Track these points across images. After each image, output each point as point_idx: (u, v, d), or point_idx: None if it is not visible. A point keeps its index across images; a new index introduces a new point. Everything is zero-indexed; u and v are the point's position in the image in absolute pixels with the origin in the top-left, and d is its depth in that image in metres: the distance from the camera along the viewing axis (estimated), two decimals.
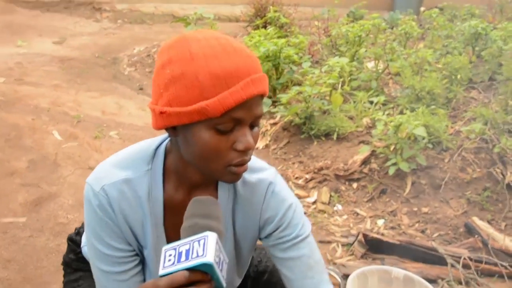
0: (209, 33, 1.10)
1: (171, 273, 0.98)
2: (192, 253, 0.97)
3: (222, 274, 1.00)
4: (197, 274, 0.98)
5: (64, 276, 1.67)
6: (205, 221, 1.03)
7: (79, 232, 1.65)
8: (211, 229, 1.01)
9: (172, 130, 1.12)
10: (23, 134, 4.37)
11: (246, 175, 1.27)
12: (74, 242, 1.64)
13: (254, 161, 1.31)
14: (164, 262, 1.00)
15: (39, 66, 6.76)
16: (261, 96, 1.09)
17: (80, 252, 1.60)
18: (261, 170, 1.32)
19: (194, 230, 1.01)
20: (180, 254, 0.99)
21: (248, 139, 1.09)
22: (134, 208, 1.23)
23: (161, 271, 0.99)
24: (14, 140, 4.24)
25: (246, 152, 1.11)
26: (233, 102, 1.02)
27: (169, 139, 1.25)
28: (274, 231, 1.32)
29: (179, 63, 1.04)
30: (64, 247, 2.91)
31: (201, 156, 1.10)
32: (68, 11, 10.49)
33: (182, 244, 1.00)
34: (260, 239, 1.39)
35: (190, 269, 0.97)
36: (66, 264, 1.67)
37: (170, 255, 1.00)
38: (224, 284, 1.02)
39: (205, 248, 0.97)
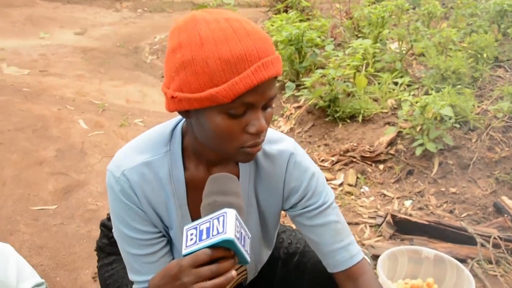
0: (220, 13, 1.08)
1: (194, 251, 1.00)
2: (213, 231, 0.98)
3: (245, 249, 1.01)
4: (220, 250, 0.99)
5: (98, 260, 1.70)
6: (223, 197, 1.04)
7: (110, 218, 1.66)
8: (230, 205, 1.02)
9: (185, 112, 1.12)
10: (49, 124, 4.42)
11: (266, 147, 1.28)
12: (106, 227, 1.66)
13: (272, 132, 1.31)
14: (187, 241, 1.01)
15: (62, 57, 6.84)
16: (275, 77, 1.08)
17: (113, 236, 1.61)
18: (280, 141, 1.32)
19: (213, 208, 1.02)
20: (201, 232, 1.00)
21: (260, 122, 1.08)
22: (156, 190, 1.25)
23: (184, 251, 1.01)
24: (41, 130, 4.30)
25: (259, 134, 1.11)
26: (243, 87, 1.01)
27: (184, 119, 1.25)
28: (300, 200, 1.33)
29: (189, 48, 1.03)
30: (94, 233, 2.98)
31: (214, 138, 1.10)
32: (88, 1, 10.57)
33: (202, 222, 1.01)
34: (285, 210, 1.39)
35: (212, 247, 0.99)
36: (100, 249, 1.69)
37: (192, 234, 1.01)
38: (249, 259, 1.03)
39: (224, 224, 0.98)
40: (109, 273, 1.60)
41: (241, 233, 1.01)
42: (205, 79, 1.02)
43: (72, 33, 8.29)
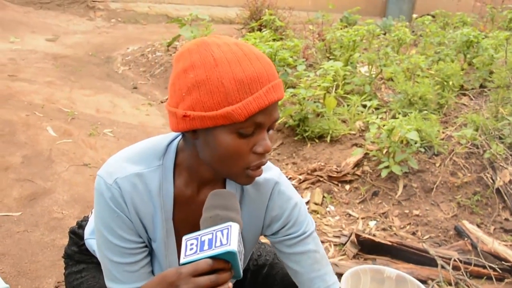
0: (228, 38, 1.14)
1: (193, 261, 1.02)
2: (216, 242, 1.01)
3: (241, 264, 1.05)
4: (220, 262, 1.02)
5: (66, 268, 1.69)
6: (225, 212, 1.07)
7: (81, 225, 1.66)
8: (232, 220, 1.06)
9: (192, 133, 1.15)
10: (17, 130, 4.36)
11: None
12: (76, 235, 1.66)
13: None
14: (186, 250, 1.04)
15: (33, 63, 6.76)
16: (279, 100, 1.14)
17: (83, 244, 1.62)
18: (267, 169, 1.36)
19: (215, 221, 1.05)
20: (202, 243, 1.03)
21: (267, 142, 1.13)
22: (145, 201, 1.27)
23: (183, 259, 1.03)
24: (8, 136, 4.24)
25: (264, 154, 1.16)
26: (257, 107, 1.06)
27: (180, 137, 1.28)
28: (281, 228, 1.37)
29: (203, 68, 1.07)
30: (59, 242, 2.95)
31: (221, 158, 1.14)
32: (61, 8, 10.47)
33: (204, 234, 1.04)
34: (266, 236, 1.43)
35: (213, 258, 1.01)
36: (68, 256, 1.68)
37: (192, 244, 1.04)
38: (241, 274, 1.07)
39: (229, 237, 1.01)
40: (78, 281, 1.59)
41: (240, 248, 1.05)
42: (220, 98, 1.06)
43: (43, 39, 8.20)
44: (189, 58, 1.11)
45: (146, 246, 1.33)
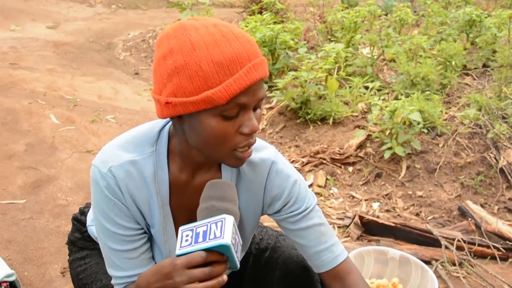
0: (206, 20, 1.12)
1: (188, 252, 1.03)
2: (210, 234, 1.01)
3: (237, 255, 1.05)
4: (214, 254, 1.02)
5: (70, 254, 1.69)
6: (221, 203, 1.07)
7: (83, 212, 1.67)
8: (227, 211, 1.05)
9: (178, 118, 1.15)
10: (19, 117, 4.38)
11: None
12: (79, 221, 1.66)
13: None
14: (181, 242, 1.04)
15: (34, 50, 6.75)
16: (263, 79, 1.12)
17: (86, 231, 1.62)
18: (262, 148, 1.35)
19: (211, 212, 1.06)
20: (197, 234, 1.03)
21: (253, 123, 1.12)
22: (140, 188, 1.26)
23: (178, 251, 1.03)
24: (11, 124, 4.25)
25: (251, 135, 1.14)
26: (237, 88, 1.05)
27: (171, 122, 1.27)
28: (283, 207, 1.37)
29: (180, 53, 1.06)
30: (64, 228, 2.97)
31: (208, 141, 1.13)
32: None
33: (199, 225, 1.04)
34: (269, 215, 1.43)
35: (207, 250, 1.01)
36: (72, 243, 1.69)
37: (187, 235, 1.04)
38: (238, 265, 1.07)
39: (222, 230, 1.01)
40: (81, 267, 1.60)
41: (236, 239, 1.04)
42: (200, 82, 1.05)
43: (44, 26, 8.18)
44: (167, 44, 1.10)
45: (145, 233, 1.33)
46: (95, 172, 1.24)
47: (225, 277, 1.04)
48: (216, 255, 1.02)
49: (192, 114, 1.10)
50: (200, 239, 1.02)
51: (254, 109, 1.14)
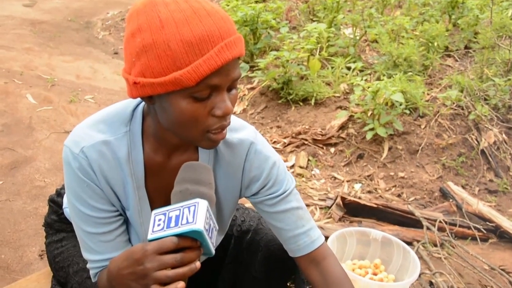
0: None
1: (160, 238, 0.98)
2: (182, 219, 0.97)
3: (211, 241, 1.01)
4: (186, 240, 0.98)
5: (46, 237, 1.66)
6: (196, 187, 1.02)
7: (60, 193, 1.62)
8: (202, 195, 1.01)
9: (148, 98, 1.09)
10: None
11: (227, 135, 1.23)
12: (55, 203, 1.62)
13: (233, 119, 1.29)
14: (154, 226, 1.00)
15: (10, 29, 6.60)
16: (238, 58, 1.06)
17: (62, 213, 1.58)
18: (241, 129, 1.31)
19: (185, 196, 1.01)
20: (170, 219, 0.99)
21: (226, 104, 1.06)
22: (114, 169, 1.22)
23: (150, 236, 0.99)
24: None
25: (225, 117, 1.09)
26: (207, 69, 0.99)
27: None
28: (261, 189, 1.34)
29: (149, 31, 1.00)
30: (41, 210, 2.91)
31: (178, 123, 1.08)
32: None
33: (172, 210, 1.00)
34: (247, 197, 1.40)
35: (179, 235, 0.97)
36: (48, 225, 1.65)
37: (160, 219, 1.00)
38: (213, 251, 1.02)
39: (195, 215, 0.96)
40: (58, 250, 1.56)
41: (210, 224, 1.00)
42: (168, 63, 0.99)
43: (20, 4, 8.00)
44: (136, 20, 1.03)
45: (120, 215, 1.29)
46: (67, 153, 1.20)
47: (198, 264, 1.00)
48: (189, 241, 0.98)
49: (162, 95, 1.05)
50: (173, 224, 0.98)
51: (229, 90, 1.09)
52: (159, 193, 1.29)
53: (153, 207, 1.29)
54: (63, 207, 1.56)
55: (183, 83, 1.00)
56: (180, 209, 0.98)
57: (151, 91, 1.04)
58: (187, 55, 0.98)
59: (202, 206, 0.97)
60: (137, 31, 1.02)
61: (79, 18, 7.49)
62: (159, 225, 0.99)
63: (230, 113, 1.08)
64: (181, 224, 0.97)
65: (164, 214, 1.00)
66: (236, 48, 1.03)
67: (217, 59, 0.99)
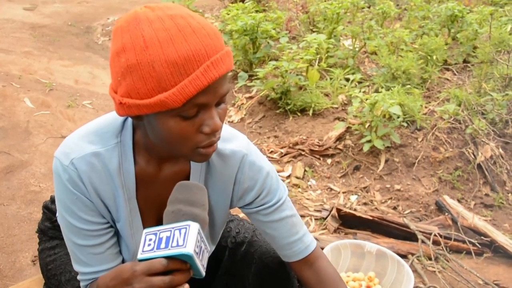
0: (163, 10, 1.02)
1: (149, 258, 0.98)
2: (172, 242, 0.96)
3: (202, 264, 1.00)
4: (176, 262, 0.97)
5: (40, 243, 1.65)
6: (189, 208, 1.01)
7: (54, 200, 1.61)
8: (194, 217, 1.00)
9: (136, 117, 1.08)
10: None
11: (219, 145, 1.22)
12: (49, 210, 1.61)
13: (224, 129, 1.28)
14: (144, 246, 0.99)
15: (9, 32, 6.60)
16: (226, 74, 1.04)
17: (56, 220, 1.57)
18: (232, 139, 1.31)
19: (177, 217, 1.00)
20: (160, 240, 0.98)
21: (215, 121, 1.05)
22: (105, 181, 1.21)
23: (140, 255, 0.99)
24: None
25: (214, 133, 1.08)
26: (193, 90, 0.97)
27: None
28: (255, 199, 1.34)
29: (133, 51, 0.98)
30: (36, 215, 2.90)
31: (167, 141, 1.07)
32: None
33: (163, 230, 0.99)
34: (240, 207, 1.40)
35: (169, 257, 0.97)
36: (42, 231, 1.64)
37: (151, 239, 0.99)
38: (203, 273, 1.01)
39: (185, 238, 0.96)
40: (51, 257, 1.55)
41: (201, 247, 0.99)
42: (153, 84, 0.97)
43: (21, 8, 8.00)
44: (120, 39, 1.01)
45: (111, 227, 1.29)
46: (57, 165, 1.18)
47: (186, 286, 0.99)
48: (179, 263, 0.97)
49: (150, 114, 1.03)
50: (163, 245, 0.97)
51: (218, 104, 1.07)
52: (150, 204, 1.28)
53: (144, 218, 1.29)
54: (58, 218, 1.55)
55: (168, 105, 0.98)
56: (171, 231, 0.98)
57: (138, 111, 1.02)
58: (172, 76, 0.96)
59: (193, 229, 0.96)
60: (122, 51, 1.00)
61: (79, 23, 7.49)
62: (149, 245, 0.98)
63: (218, 129, 1.07)
64: (171, 247, 0.96)
65: (155, 234, 0.99)
66: (223, 65, 1.00)
67: (203, 79, 0.97)
